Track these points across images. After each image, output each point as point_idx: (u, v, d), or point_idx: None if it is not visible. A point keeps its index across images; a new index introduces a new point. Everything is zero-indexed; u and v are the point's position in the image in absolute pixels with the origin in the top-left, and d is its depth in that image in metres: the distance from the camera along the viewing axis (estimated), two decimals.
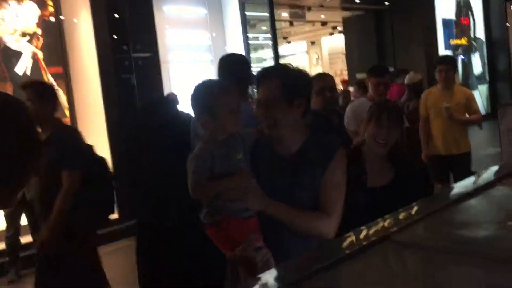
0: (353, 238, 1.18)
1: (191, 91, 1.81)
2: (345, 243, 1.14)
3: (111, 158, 6.33)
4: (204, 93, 1.76)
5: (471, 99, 4.64)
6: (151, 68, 6.96)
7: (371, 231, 1.18)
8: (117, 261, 2.97)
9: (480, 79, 12.96)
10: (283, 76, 1.84)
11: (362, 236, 1.17)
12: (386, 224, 1.20)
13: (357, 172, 2.23)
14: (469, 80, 12.49)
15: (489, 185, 1.58)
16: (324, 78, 3.28)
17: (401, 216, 1.25)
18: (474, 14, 13.06)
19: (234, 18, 8.96)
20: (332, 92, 3.25)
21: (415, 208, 1.34)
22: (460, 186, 1.63)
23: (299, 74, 1.87)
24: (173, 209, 2.49)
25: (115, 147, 6.32)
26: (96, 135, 6.56)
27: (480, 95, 12.23)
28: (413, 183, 2.26)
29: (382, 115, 2.27)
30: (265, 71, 1.94)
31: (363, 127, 2.39)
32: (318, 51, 16.12)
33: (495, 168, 1.86)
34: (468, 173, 4.52)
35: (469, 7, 12.99)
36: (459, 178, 3.91)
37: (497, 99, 12.29)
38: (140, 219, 2.79)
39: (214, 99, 1.72)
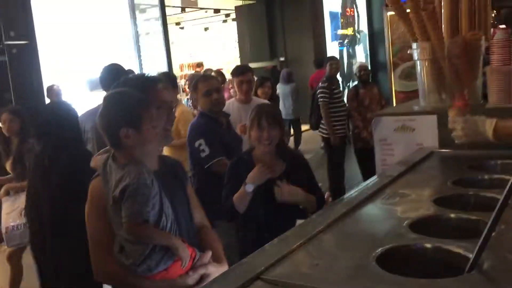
0: (224, 278, 1.14)
1: (108, 99, 1.62)
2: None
3: None
4: (128, 103, 1.57)
5: None
6: (28, 56, 6.42)
7: (242, 270, 1.14)
8: None
9: None
10: None
11: (233, 275, 1.13)
12: (257, 260, 1.18)
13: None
14: (352, 71, 13.18)
15: (361, 204, 1.64)
16: (209, 81, 3.24)
17: (271, 250, 1.24)
18: (358, 7, 13.76)
19: (121, 3, 8.58)
20: (219, 94, 3.22)
21: (286, 239, 1.34)
22: (333, 207, 1.66)
23: None
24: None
25: None
26: None
27: None
28: (302, 172, 2.54)
29: (261, 119, 2.46)
30: None
31: (248, 132, 2.56)
32: (212, 38, 16.04)
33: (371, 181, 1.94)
34: None
35: (354, 1, 13.66)
36: None
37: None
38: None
39: (141, 111, 1.55)
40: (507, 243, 1.20)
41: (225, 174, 2.65)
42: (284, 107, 8.76)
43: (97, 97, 7.00)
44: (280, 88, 8.92)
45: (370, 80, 6.02)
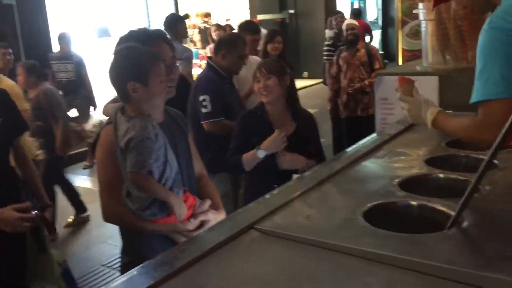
0: (220, 227, 1.22)
1: (118, 53, 1.63)
2: (211, 235, 1.17)
3: None
4: (137, 58, 1.59)
5: None
6: (35, 1, 6.36)
7: (237, 219, 1.22)
8: None
9: (374, 24, 13.50)
10: None
11: (228, 224, 1.21)
12: (252, 211, 1.25)
13: (265, 127, 2.49)
14: None
15: (357, 161, 1.70)
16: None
17: (265, 203, 1.31)
18: None
19: None
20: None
21: (282, 192, 1.40)
22: (327, 165, 1.72)
23: None
24: None
25: None
26: None
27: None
28: (311, 133, 2.56)
29: (256, 71, 2.54)
30: None
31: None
32: None
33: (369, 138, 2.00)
34: None
35: None
36: None
37: (388, 44, 12.98)
38: None
39: (149, 66, 1.59)
40: (490, 204, 1.26)
41: (215, 134, 2.82)
42: None
43: (105, 44, 7.00)
44: None
45: (366, 42, 5.54)
